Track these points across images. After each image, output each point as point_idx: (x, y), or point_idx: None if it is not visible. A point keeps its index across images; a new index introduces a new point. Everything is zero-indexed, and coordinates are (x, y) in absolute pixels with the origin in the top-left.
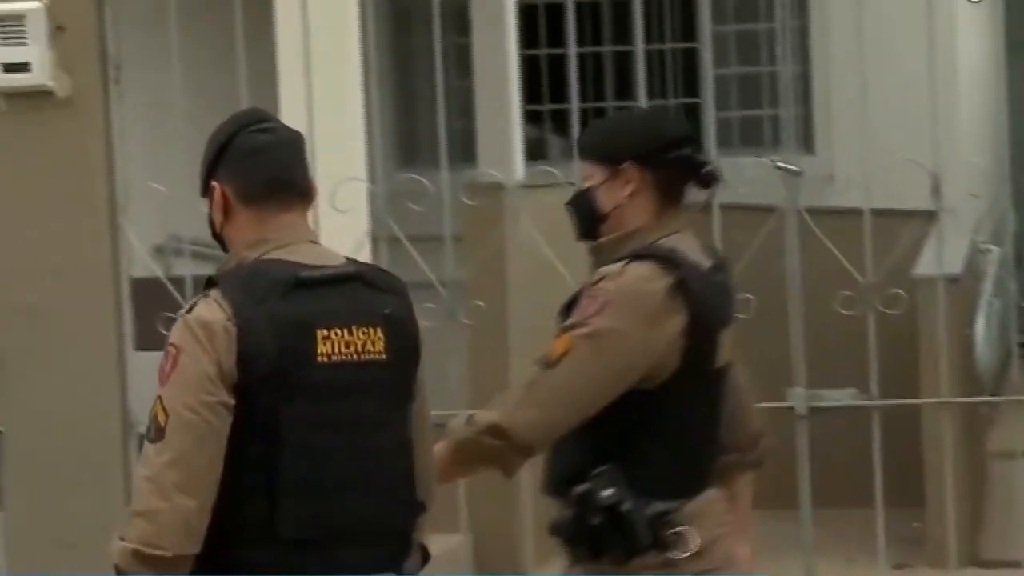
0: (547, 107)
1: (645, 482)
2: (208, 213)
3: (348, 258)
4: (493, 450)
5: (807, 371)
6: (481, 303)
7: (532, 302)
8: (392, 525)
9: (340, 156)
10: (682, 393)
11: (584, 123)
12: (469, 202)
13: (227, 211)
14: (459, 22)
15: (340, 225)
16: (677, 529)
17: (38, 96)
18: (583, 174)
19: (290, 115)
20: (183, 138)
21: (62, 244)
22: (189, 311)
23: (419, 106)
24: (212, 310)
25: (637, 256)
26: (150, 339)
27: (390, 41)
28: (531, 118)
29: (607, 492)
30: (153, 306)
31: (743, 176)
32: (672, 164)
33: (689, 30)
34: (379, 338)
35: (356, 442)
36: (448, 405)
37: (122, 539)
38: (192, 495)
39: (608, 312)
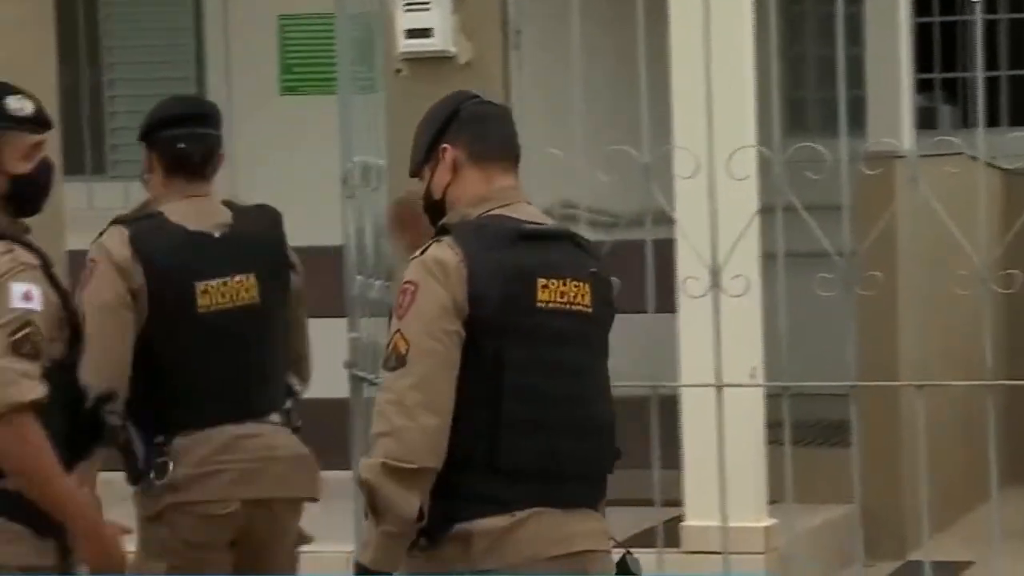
0: (938, 75)
1: (149, 416)
2: (428, 179)
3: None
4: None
5: None
6: (878, 273)
7: (924, 272)
8: (600, 468)
9: (734, 123)
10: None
11: (986, 91)
12: (868, 171)
13: (456, 171)
14: None
15: (735, 192)
16: (162, 459)
17: (439, 61)
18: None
19: (684, 81)
20: (580, 103)
21: None
22: (423, 253)
23: (808, 74)
24: (446, 252)
25: None
26: None
27: (777, 8)
28: (921, 87)
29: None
30: None
31: None
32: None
33: None
34: (587, 292)
35: (570, 386)
36: (839, 376)
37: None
38: (435, 414)
39: None
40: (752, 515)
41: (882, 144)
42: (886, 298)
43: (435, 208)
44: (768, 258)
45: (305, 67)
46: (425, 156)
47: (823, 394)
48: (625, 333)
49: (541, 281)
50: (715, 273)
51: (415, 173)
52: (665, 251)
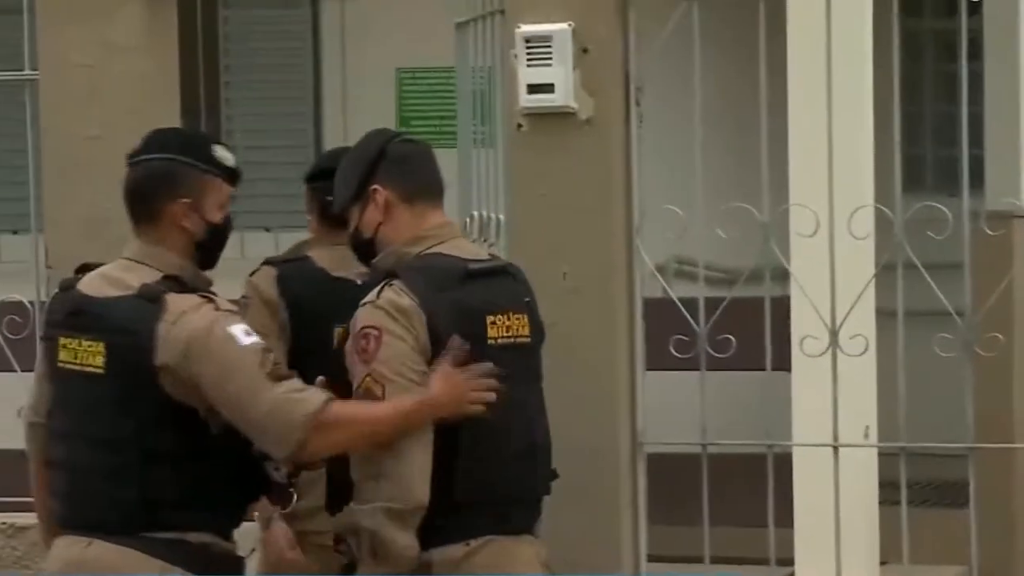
0: None
1: None
2: (357, 218)
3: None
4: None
5: None
6: (999, 335)
7: None
8: (538, 492)
9: (853, 181)
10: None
11: None
12: (991, 232)
13: (388, 211)
14: (971, 48)
15: (855, 251)
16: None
17: (560, 117)
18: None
19: (801, 138)
20: (699, 160)
21: (580, 263)
22: (377, 298)
23: (925, 132)
24: (402, 297)
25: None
26: (659, 359)
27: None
28: None
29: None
30: (663, 327)
31: None
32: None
33: None
34: (525, 323)
35: (517, 418)
36: (954, 435)
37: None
38: (423, 450)
39: None
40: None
41: (1002, 203)
42: (1003, 358)
43: (365, 246)
44: (881, 316)
45: (422, 120)
46: (355, 195)
47: (935, 454)
48: (742, 390)
49: (490, 318)
50: (834, 332)
51: (343, 210)
52: (778, 309)
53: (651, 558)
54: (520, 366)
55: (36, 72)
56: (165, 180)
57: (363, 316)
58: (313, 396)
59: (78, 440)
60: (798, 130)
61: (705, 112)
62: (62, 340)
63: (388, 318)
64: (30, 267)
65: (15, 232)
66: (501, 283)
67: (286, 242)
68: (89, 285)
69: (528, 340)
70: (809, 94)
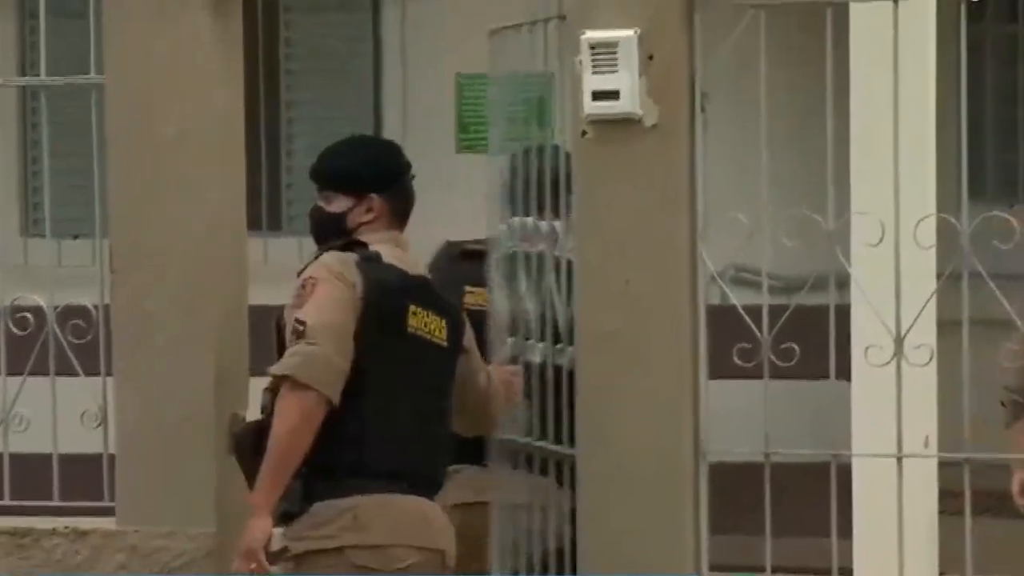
0: None
1: None
2: (341, 204)
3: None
4: None
5: None
6: None
7: None
8: (442, 473)
9: (917, 190)
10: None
11: None
12: None
13: (376, 218)
14: None
15: (915, 260)
16: None
17: (624, 124)
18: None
19: (865, 147)
20: (764, 167)
21: (643, 270)
22: (326, 254)
23: (985, 138)
24: (347, 260)
25: None
26: (722, 367)
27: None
28: None
29: None
30: (726, 335)
31: None
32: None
33: None
34: (443, 326)
35: (423, 399)
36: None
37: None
38: (342, 358)
39: None
40: None
41: None
42: None
43: (334, 223)
44: (942, 325)
45: (482, 126)
46: (349, 190)
47: (997, 464)
48: (805, 399)
49: (412, 308)
50: (899, 342)
51: (328, 189)
52: (837, 317)
53: (713, 567)
54: (433, 359)
55: (102, 76)
56: None
57: (308, 269)
58: None
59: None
60: (861, 138)
61: (770, 118)
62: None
63: (327, 272)
64: (90, 271)
65: (75, 237)
66: (429, 290)
67: None
68: None
69: (444, 343)
70: (872, 101)
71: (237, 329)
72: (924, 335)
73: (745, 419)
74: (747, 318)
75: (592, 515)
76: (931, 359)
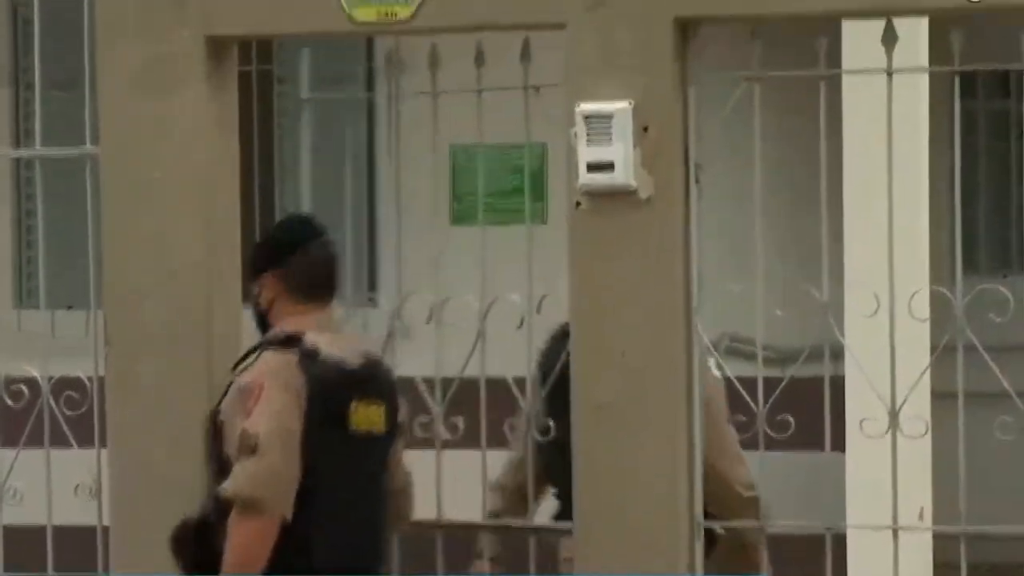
0: None
1: None
2: (261, 294)
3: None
4: None
5: None
6: None
7: None
8: (384, 557)
9: (910, 262)
10: None
11: None
12: None
13: (291, 299)
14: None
15: (908, 332)
16: None
17: (619, 195)
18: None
19: (859, 220)
20: (759, 238)
21: (638, 342)
22: (267, 352)
23: (981, 212)
24: (289, 362)
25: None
26: None
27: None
28: None
29: None
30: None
31: None
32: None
33: None
34: (382, 413)
35: (368, 492)
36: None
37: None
38: (288, 467)
39: None
40: None
41: None
42: None
43: (256, 312)
44: (936, 397)
45: (473, 196)
46: (250, 275)
47: (993, 537)
48: (800, 470)
49: (354, 404)
50: (894, 414)
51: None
52: (832, 388)
53: None
54: (374, 451)
55: (96, 147)
56: None
57: (248, 373)
58: None
59: None
60: (854, 211)
61: (764, 189)
62: None
63: (272, 376)
64: (83, 342)
65: (70, 308)
66: (367, 375)
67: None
68: None
69: (383, 429)
70: (866, 174)
71: None
72: (919, 407)
73: None
74: (742, 390)
75: None
76: (926, 431)
